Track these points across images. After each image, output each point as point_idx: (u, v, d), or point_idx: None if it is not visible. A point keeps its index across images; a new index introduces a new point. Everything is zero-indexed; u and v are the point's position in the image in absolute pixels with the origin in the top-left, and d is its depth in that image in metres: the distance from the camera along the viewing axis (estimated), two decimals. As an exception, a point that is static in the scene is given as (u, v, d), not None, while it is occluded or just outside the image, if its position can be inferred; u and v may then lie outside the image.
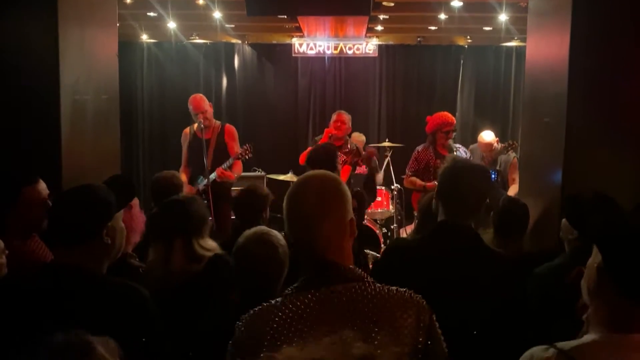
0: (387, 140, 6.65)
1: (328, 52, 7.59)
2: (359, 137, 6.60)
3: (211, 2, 5.56)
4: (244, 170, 6.69)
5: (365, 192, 4.45)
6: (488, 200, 2.13)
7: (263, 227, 2.17)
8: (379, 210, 5.86)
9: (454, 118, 5.11)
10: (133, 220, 2.26)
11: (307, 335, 1.26)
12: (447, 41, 7.77)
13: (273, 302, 1.36)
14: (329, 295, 1.32)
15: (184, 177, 4.67)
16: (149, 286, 2.25)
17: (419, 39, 7.48)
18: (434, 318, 1.39)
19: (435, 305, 1.40)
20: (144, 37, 7.61)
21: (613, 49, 2.89)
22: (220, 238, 3.73)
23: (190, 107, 4.79)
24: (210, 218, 4.44)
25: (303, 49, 7.55)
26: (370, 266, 3.84)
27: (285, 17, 6.08)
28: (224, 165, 4.73)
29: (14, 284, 1.73)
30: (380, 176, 6.32)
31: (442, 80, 8.02)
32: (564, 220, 2.31)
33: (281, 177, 5.71)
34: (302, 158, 5.20)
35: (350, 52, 7.60)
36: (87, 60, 3.22)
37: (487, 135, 5.62)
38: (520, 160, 4.28)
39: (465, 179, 1.99)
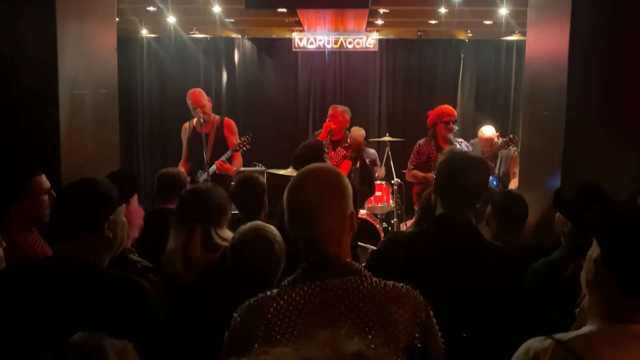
0: (387, 134, 6.64)
1: (328, 46, 7.58)
2: (358, 132, 6.58)
3: (210, -4, 5.55)
4: (245, 165, 6.72)
5: (363, 185, 4.46)
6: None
7: (259, 222, 2.17)
8: (379, 205, 5.86)
9: (454, 110, 5.09)
10: (131, 215, 2.25)
11: (302, 328, 1.26)
12: (448, 35, 7.75)
13: (269, 293, 1.37)
14: (324, 288, 1.33)
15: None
16: (166, 273, 2.29)
17: (419, 33, 7.46)
18: (431, 314, 1.39)
19: (432, 300, 1.40)
20: (144, 32, 7.60)
21: (613, 42, 2.88)
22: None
23: (189, 101, 4.79)
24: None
25: (303, 43, 7.53)
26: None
27: (285, 10, 6.06)
28: (223, 158, 4.73)
29: (14, 277, 1.73)
30: (382, 170, 6.31)
31: (443, 75, 8.01)
32: (557, 214, 2.31)
33: (281, 172, 5.69)
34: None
35: (350, 46, 7.58)
36: (86, 54, 3.21)
37: (488, 130, 5.60)
38: (520, 154, 4.28)
39: (463, 171, 1.98)
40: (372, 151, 6.53)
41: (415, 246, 1.95)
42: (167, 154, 6.98)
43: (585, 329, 1.24)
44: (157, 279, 2.23)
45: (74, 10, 3.05)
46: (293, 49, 7.62)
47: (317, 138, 5.18)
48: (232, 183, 4.95)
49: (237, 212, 3.20)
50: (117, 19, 3.80)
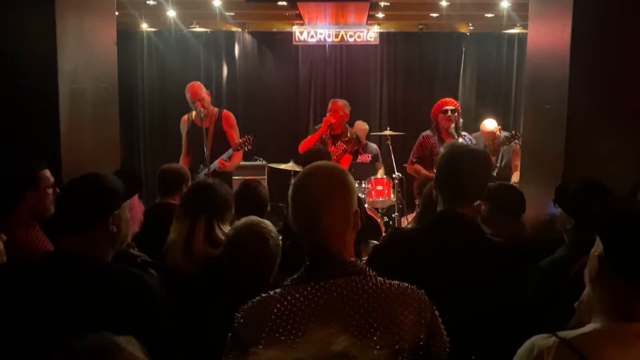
0: (388, 128, 6.62)
1: (329, 40, 7.54)
2: (362, 126, 6.56)
3: (210, -10, 5.53)
4: (245, 160, 6.71)
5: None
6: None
7: (253, 218, 2.16)
8: (380, 199, 5.85)
9: (454, 101, 5.05)
10: (132, 210, 2.25)
11: (305, 329, 1.24)
12: (449, 28, 7.72)
13: (272, 293, 1.35)
14: (328, 288, 1.32)
15: (185, 166, 4.67)
16: (166, 265, 2.29)
17: (420, 26, 7.43)
18: (437, 314, 1.39)
19: (433, 298, 1.40)
20: (144, 26, 7.57)
21: (615, 35, 2.87)
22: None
23: (188, 95, 4.77)
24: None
25: (304, 36, 7.50)
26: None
27: (285, 3, 6.03)
28: (224, 156, 4.72)
29: (17, 272, 1.74)
30: (381, 170, 6.29)
31: (444, 68, 7.98)
32: (559, 210, 2.29)
33: (282, 166, 5.69)
34: (302, 146, 5.19)
35: (351, 39, 7.55)
36: (86, 49, 3.20)
37: (489, 124, 5.58)
38: (521, 147, 4.26)
39: (464, 165, 1.94)
40: (374, 146, 6.51)
41: (416, 244, 1.92)
42: (167, 148, 6.97)
43: (589, 327, 1.23)
44: (157, 272, 2.23)
45: (73, 5, 3.04)
46: (293, 43, 7.59)
47: (319, 131, 5.16)
48: (234, 178, 4.97)
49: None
50: (116, 13, 3.78)
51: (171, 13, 6.66)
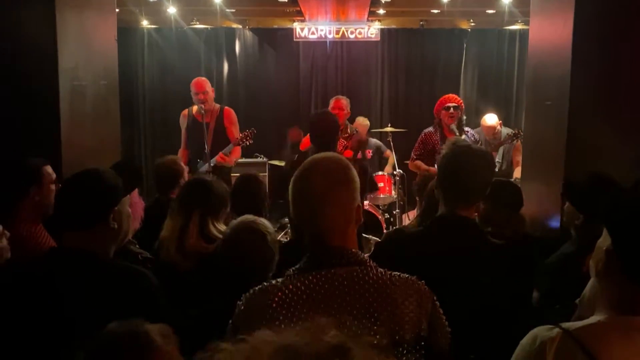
0: (389, 125, 6.61)
1: (330, 36, 7.52)
2: (363, 122, 6.54)
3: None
4: (246, 157, 6.71)
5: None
6: None
7: (249, 216, 2.16)
8: (382, 196, 5.85)
9: (457, 97, 4.99)
10: (132, 206, 2.26)
11: (306, 317, 1.25)
12: (450, 25, 7.69)
13: (274, 282, 1.36)
14: (330, 278, 1.32)
15: (183, 159, 4.68)
16: (160, 260, 2.29)
17: (421, 22, 7.41)
18: (437, 304, 1.39)
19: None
20: (144, 23, 7.56)
21: (617, 30, 2.86)
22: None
23: (193, 88, 4.78)
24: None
25: (304, 33, 7.48)
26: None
27: (286, 0, 6.02)
28: (224, 151, 4.72)
29: (21, 268, 1.74)
30: (392, 156, 6.24)
31: (445, 64, 7.95)
32: (567, 205, 2.28)
33: (283, 163, 5.69)
34: (303, 143, 5.17)
35: (352, 36, 7.53)
36: (86, 45, 3.20)
37: (490, 119, 5.56)
38: (523, 143, 4.25)
39: (465, 166, 1.91)
40: (374, 141, 6.50)
41: (415, 246, 1.89)
42: (168, 145, 6.94)
43: (593, 319, 1.23)
44: (153, 267, 2.23)
45: (73, 1, 3.04)
46: (294, 39, 7.57)
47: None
48: (233, 175, 4.96)
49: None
50: (117, 10, 3.78)
51: (172, 10, 6.64)
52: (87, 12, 3.24)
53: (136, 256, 2.32)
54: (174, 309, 1.83)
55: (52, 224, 2.33)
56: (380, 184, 5.78)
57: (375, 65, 8.00)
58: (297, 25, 7.46)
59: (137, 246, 2.42)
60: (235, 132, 4.85)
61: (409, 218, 5.64)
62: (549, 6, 3.31)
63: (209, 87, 4.80)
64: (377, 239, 4.82)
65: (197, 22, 7.47)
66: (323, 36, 7.52)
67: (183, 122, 4.96)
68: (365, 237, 4.97)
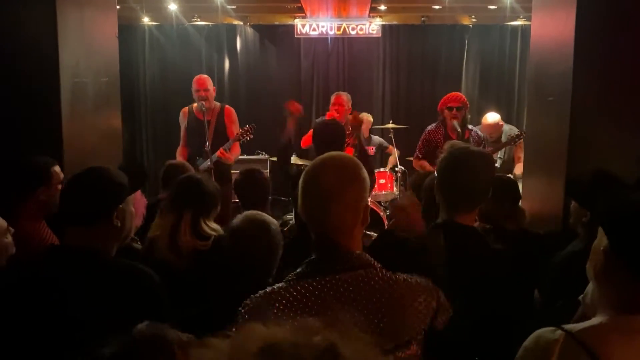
0: (390, 121, 6.60)
1: (331, 32, 7.50)
2: (367, 118, 6.51)
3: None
4: (248, 154, 6.71)
5: None
6: None
7: (254, 211, 2.17)
8: (383, 193, 5.84)
9: (462, 96, 4.89)
10: (135, 204, 2.26)
11: None
12: (452, 20, 7.67)
13: (276, 287, 1.34)
14: (335, 284, 1.30)
15: (182, 157, 4.68)
16: (154, 260, 2.28)
17: (423, 18, 7.38)
18: (442, 298, 1.39)
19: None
20: (145, 20, 7.55)
21: (619, 26, 2.85)
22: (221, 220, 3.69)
23: (194, 85, 4.77)
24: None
25: (306, 29, 7.46)
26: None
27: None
28: (225, 147, 4.71)
29: (24, 265, 1.74)
30: (394, 155, 6.22)
31: (447, 61, 7.93)
32: (573, 204, 2.26)
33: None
34: (304, 142, 5.16)
35: (353, 32, 7.50)
36: (87, 42, 3.19)
37: (491, 117, 5.53)
38: (525, 140, 4.24)
39: (464, 169, 1.87)
40: (377, 137, 6.49)
41: (413, 255, 1.83)
42: (169, 142, 6.93)
43: (595, 320, 1.22)
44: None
45: (73, -2, 3.03)
46: (295, 36, 7.55)
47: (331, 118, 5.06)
48: (233, 172, 4.95)
49: (237, 200, 3.18)
50: (117, 7, 3.77)
51: (172, 7, 6.63)
52: (88, 9, 3.23)
53: (138, 254, 2.32)
54: (176, 308, 1.83)
55: (56, 220, 2.33)
56: (382, 181, 5.77)
57: (377, 62, 7.99)
58: (298, 22, 7.44)
59: (139, 243, 2.42)
60: (235, 130, 4.84)
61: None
62: (551, 2, 3.29)
63: (210, 84, 4.79)
64: (374, 233, 4.81)
65: (198, 19, 7.46)
66: (324, 32, 7.50)
67: (183, 120, 4.94)
68: (367, 233, 4.97)
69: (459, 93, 4.95)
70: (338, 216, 1.34)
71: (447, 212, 1.91)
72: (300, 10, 7.02)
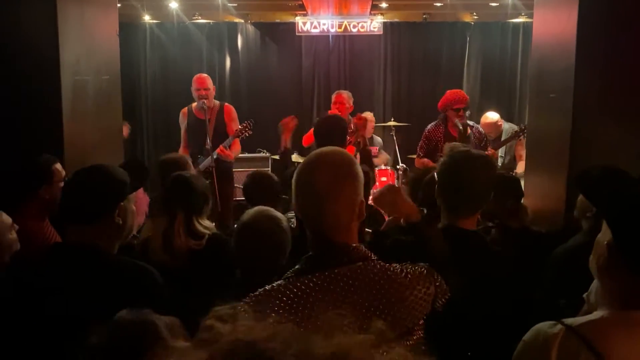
0: (392, 119, 6.59)
1: (332, 30, 7.49)
2: (369, 117, 6.48)
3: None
4: (249, 152, 6.71)
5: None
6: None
7: (262, 206, 2.17)
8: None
9: (466, 95, 4.84)
10: (137, 201, 2.26)
11: (308, 319, 1.23)
12: (453, 18, 7.65)
13: (275, 285, 1.33)
14: (334, 278, 1.30)
15: None
16: (149, 261, 2.28)
17: (424, 15, 7.37)
18: (438, 278, 1.40)
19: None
20: (146, 18, 7.54)
21: (622, 22, 2.84)
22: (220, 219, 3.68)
23: (194, 84, 4.76)
24: (216, 199, 4.47)
25: (307, 27, 7.45)
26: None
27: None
28: (224, 144, 4.70)
29: (28, 262, 1.74)
30: (384, 156, 6.25)
31: (448, 58, 7.91)
32: (580, 197, 2.26)
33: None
34: (306, 140, 5.14)
35: (354, 30, 7.49)
36: (87, 40, 3.19)
37: (491, 116, 5.51)
38: (527, 137, 4.23)
39: (465, 173, 1.85)
40: (378, 139, 6.47)
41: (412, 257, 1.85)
42: (170, 140, 6.95)
43: (595, 315, 1.22)
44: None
45: (74, -5, 3.03)
46: (297, 33, 7.54)
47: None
48: (235, 170, 4.94)
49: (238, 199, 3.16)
50: (118, 5, 3.77)
51: (173, 4, 6.63)
52: (89, 7, 3.23)
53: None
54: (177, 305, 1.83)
55: (58, 218, 2.34)
56: (383, 179, 5.76)
57: (378, 59, 7.97)
58: (299, 20, 7.43)
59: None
60: (235, 128, 4.84)
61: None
62: (553, -2, 3.28)
63: (210, 83, 4.79)
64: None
65: (199, 17, 7.45)
66: (325, 30, 7.49)
67: (183, 121, 4.93)
68: (368, 231, 4.95)
69: (461, 92, 4.87)
70: (334, 215, 1.33)
71: (448, 216, 1.90)
72: (302, 7, 7.01)
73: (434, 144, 4.73)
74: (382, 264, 1.36)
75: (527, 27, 7.45)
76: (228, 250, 2.28)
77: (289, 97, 7.95)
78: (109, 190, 1.71)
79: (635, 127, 2.86)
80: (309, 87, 8.03)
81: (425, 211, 2.28)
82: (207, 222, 2.44)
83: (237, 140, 4.81)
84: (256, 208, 2.14)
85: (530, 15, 5.68)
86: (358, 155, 4.25)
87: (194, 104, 4.80)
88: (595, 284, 1.35)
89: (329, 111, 5.16)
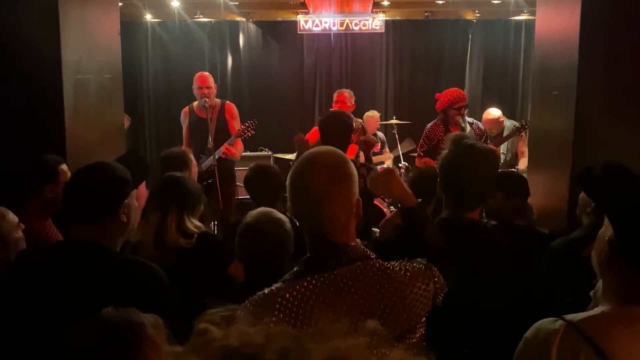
0: (394, 117, 6.58)
1: (334, 28, 7.47)
2: (373, 115, 6.44)
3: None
4: (251, 150, 6.70)
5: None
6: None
7: (265, 208, 2.17)
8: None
9: (464, 93, 4.82)
10: (138, 198, 2.26)
11: (309, 322, 1.23)
12: (455, 15, 7.64)
13: (274, 288, 1.31)
14: (333, 279, 1.30)
15: None
16: (138, 255, 2.28)
17: (426, 13, 7.35)
18: (436, 273, 1.40)
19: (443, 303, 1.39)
20: (148, 17, 7.54)
21: (625, 19, 2.83)
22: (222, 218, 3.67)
23: (196, 82, 4.75)
24: (218, 198, 4.46)
25: (308, 25, 7.44)
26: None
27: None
28: (227, 143, 4.70)
29: (33, 260, 1.74)
30: (388, 154, 6.23)
31: (450, 56, 7.90)
32: (581, 194, 2.26)
33: (288, 156, 5.68)
34: (310, 138, 5.13)
35: (356, 28, 7.48)
36: (89, 39, 3.18)
37: (493, 112, 5.49)
38: (529, 134, 4.21)
39: (468, 168, 1.85)
40: (381, 134, 6.47)
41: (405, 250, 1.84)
42: (173, 139, 6.94)
43: (596, 310, 1.22)
44: None
45: (75, -6, 3.02)
46: (298, 32, 7.53)
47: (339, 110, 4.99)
48: (237, 169, 4.94)
49: (246, 197, 3.16)
50: (120, 4, 3.76)
51: (175, 3, 6.63)
52: (90, 6, 3.22)
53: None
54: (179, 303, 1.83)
55: (61, 217, 2.34)
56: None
57: (380, 57, 7.96)
58: (301, 18, 7.42)
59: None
60: (236, 126, 4.83)
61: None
62: (556, -6, 3.27)
63: (212, 82, 4.79)
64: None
65: (201, 16, 7.45)
66: (327, 28, 7.47)
67: (184, 120, 4.93)
68: (375, 230, 4.93)
69: (459, 90, 4.83)
70: (331, 216, 1.32)
71: (450, 208, 1.90)
72: (303, 6, 7.01)
73: (434, 143, 4.70)
74: (380, 262, 1.35)
75: (529, 25, 7.43)
76: (217, 248, 2.31)
77: (290, 96, 7.95)
78: (114, 188, 1.71)
79: (639, 124, 2.85)
80: (310, 86, 8.02)
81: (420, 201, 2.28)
82: (197, 222, 2.46)
83: (239, 140, 4.81)
84: (259, 209, 2.14)
85: (533, 13, 5.67)
86: (362, 154, 4.24)
87: (195, 103, 4.80)
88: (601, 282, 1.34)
89: (331, 110, 5.15)
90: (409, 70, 7.97)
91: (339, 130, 3.24)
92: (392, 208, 5.84)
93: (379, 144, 6.16)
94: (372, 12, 7.33)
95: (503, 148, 5.41)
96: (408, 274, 1.35)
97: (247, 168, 4.30)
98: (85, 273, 1.63)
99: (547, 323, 1.21)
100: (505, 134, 5.34)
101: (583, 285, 1.50)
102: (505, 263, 1.87)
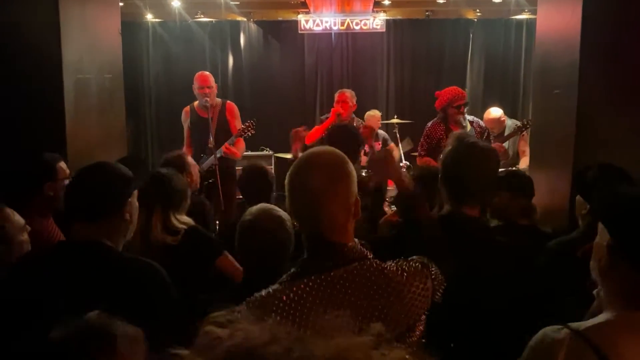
0: (395, 116, 6.57)
1: (335, 28, 7.47)
2: (375, 114, 6.43)
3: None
4: (252, 150, 6.70)
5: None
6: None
7: (266, 204, 2.16)
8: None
9: (464, 92, 4.79)
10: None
11: (307, 324, 1.22)
12: (456, 15, 7.63)
13: (271, 289, 1.31)
14: (330, 281, 1.29)
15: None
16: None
17: (427, 13, 7.35)
18: (434, 270, 1.40)
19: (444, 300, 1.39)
20: (149, 17, 7.55)
21: (626, 18, 2.82)
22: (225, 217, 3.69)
23: (196, 82, 4.75)
24: (219, 197, 4.46)
25: (309, 25, 7.43)
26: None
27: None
28: (228, 142, 4.70)
29: (36, 260, 1.74)
30: (397, 150, 6.20)
31: (451, 55, 7.89)
32: (578, 196, 2.25)
33: (288, 156, 5.66)
34: (309, 138, 5.13)
35: (357, 27, 7.47)
36: (90, 39, 3.19)
37: (494, 112, 5.48)
38: (531, 133, 4.21)
39: (470, 162, 1.85)
40: (383, 133, 6.46)
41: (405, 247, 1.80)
42: (174, 138, 6.95)
43: (601, 317, 1.21)
44: None
45: (76, -6, 3.02)
46: (299, 31, 7.53)
47: (327, 122, 5.06)
48: (237, 168, 4.94)
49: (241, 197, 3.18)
50: (121, 3, 3.77)
51: (176, 3, 6.63)
52: (91, 5, 3.22)
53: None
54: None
55: (64, 216, 2.34)
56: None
57: (381, 57, 7.96)
58: (301, 17, 7.41)
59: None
60: (237, 125, 4.83)
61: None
62: (557, -7, 3.26)
63: (212, 81, 4.78)
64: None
65: (202, 15, 7.45)
66: (328, 28, 7.47)
67: (185, 120, 4.93)
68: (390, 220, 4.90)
69: (457, 88, 4.79)
70: (330, 216, 1.32)
71: (451, 204, 1.90)
72: (304, 5, 7.01)
73: (434, 142, 4.67)
74: (378, 262, 1.35)
75: (530, 24, 7.42)
76: (205, 243, 2.32)
77: (291, 95, 7.94)
78: (119, 187, 1.71)
79: (640, 122, 2.85)
80: (311, 85, 8.02)
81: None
82: (185, 218, 2.47)
83: (241, 139, 4.81)
84: (259, 206, 2.13)
85: (533, 12, 5.66)
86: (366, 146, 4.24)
87: (196, 102, 4.80)
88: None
89: (332, 110, 5.14)
90: (410, 69, 7.97)
91: (345, 142, 3.19)
92: (392, 207, 5.85)
93: (380, 143, 6.15)
94: (373, 11, 7.33)
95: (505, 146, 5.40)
96: (405, 273, 1.35)
97: (243, 167, 4.30)
98: (88, 273, 1.63)
99: (551, 331, 1.20)
100: (506, 133, 5.33)
101: (578, 285, 1.49)
102: (505, 261, 1.87)
